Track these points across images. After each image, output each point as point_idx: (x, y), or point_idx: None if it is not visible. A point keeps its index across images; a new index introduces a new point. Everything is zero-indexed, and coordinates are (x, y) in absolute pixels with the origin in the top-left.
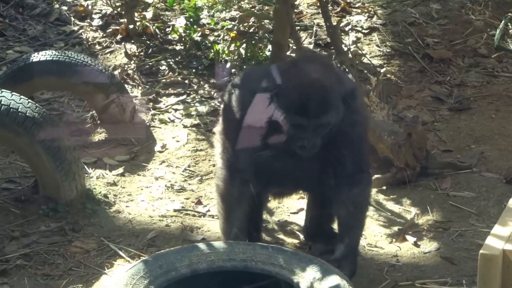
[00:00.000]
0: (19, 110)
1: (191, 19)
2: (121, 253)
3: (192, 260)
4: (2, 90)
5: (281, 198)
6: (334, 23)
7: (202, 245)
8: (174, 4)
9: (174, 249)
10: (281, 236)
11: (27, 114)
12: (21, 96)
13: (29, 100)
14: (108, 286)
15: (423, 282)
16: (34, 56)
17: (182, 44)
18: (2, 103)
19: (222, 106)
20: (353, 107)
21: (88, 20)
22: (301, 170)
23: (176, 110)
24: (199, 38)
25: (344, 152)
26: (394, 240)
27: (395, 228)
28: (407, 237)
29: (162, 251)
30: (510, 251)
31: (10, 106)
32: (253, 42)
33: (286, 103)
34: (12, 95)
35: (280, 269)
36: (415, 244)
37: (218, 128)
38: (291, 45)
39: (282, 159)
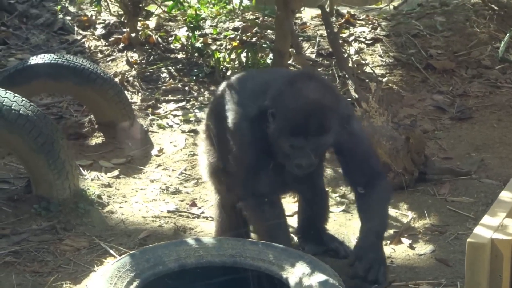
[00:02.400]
0: (12, 108)
1: (192, 25)
2: (111, 251)
3: (180, 255)
4: None
5: None
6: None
7: (190, 240)
8: (177, 13)
9: (162, 244)
10: None
11: (20, 112)
12: (15, 94)
13: (23, 99)
14: (94, 278)
15: (417, 283)
16: (32, 59)
17: (184, 52)
18: None
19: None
20: (353, 128)
21: (91, 30)
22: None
23: (175, 115)
24: (200, 45)
25: (354, 163)
26: (389, 242)
27: (391, 231)
28: (403, 239)
29: (150, 245)
30: (498, 240)
31: (4, 103)
32: (254, 50)
33: (283, 124)
34: (6, 93)
35: (269, 265)
36: (410, 247)
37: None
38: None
39: (276, 164)
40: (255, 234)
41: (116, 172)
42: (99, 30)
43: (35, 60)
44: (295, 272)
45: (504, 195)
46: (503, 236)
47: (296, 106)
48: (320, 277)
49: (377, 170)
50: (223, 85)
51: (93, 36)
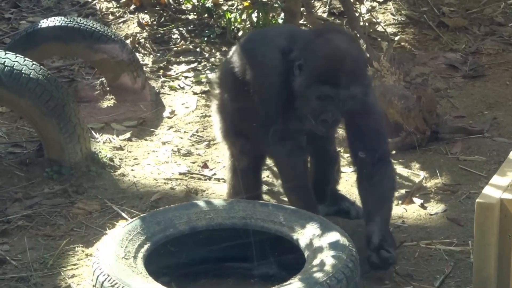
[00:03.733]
0: (22, 71)
1: None
2: (123, 214)
3: (191, 218)
4: (6, 52)
5: None
6: None
7: (201, 203)
8: None
9: (173, 207)
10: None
11: (30, 75)
12: (25, 58)
13: (34, 62)
14: (104, 241)
15: (428, 243)
16: (42, 22)
17: (195, 13)
18: (5, 64)
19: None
20: (370, 99)
21: None
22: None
23: (186, 77)
24: (210, 5)
25: (366, 130)
26: (400, 202)
27: (402, 191)
28: (414, 199)
29: (161, 208)
30: (508, 200)
31: (14, 67)
32: (265, 10)
33: (312, 72)
34: (16, 56)
35: (279, 226)
36: (422, 206)
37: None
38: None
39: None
40: (283, 183)
41: (128, 135)
42: None
43: (45, 23)
44: (306, 234)
45: None
46: None
47: (326, 53)
48: (330, 238)
49: (385, 151)
50: (236, 46)
51: None
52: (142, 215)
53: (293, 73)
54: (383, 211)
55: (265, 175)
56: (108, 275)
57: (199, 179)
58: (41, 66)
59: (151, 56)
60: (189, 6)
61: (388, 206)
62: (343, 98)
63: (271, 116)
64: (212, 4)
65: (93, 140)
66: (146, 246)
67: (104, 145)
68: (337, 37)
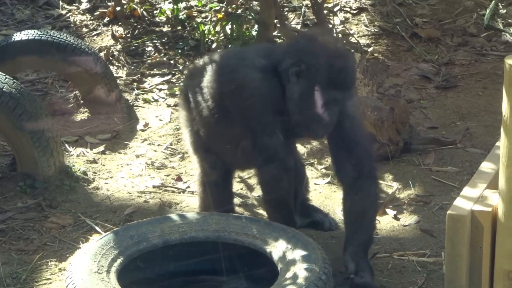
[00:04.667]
0: None
1: None
2: (97, 228)
3: (164, 231)
4: None
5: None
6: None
7: (174, 216)
8: None
9: (146, 220)
10: (260, 211)
11: (3, 89)
12: None
13: (6, 76)
14: (77, 256)
15: (401, 254)
16: (15, 36)
17: (169, 26)
18: None
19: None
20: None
21: (76, 4)
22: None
23: (160, 89)
24: (183, 17)
25: (352, 143)
26: None
27: None
28: (387, 210)
29: (134, 222)
30: (479, 212)
31: None
32: (239, 22)
33: (320, 77)
34: None
35: (253, 239)
36: (395, 218)
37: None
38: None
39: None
40: (268, 203)
41: (101, 148)
42: (84, 4)
43: (18, 36)
44: (279, 246)
45: (485, 166)
46: (483, 207)
47: (330, 57)
48: (303, 250)
49: (371, 166)
50: (205, 58)
51: (78, 11)
52: (115, 229)
53: (287, 81)
54: (361, 233)
55: (239, 187)
56: None
57: (173, 192)
58: (14, 80)
59: (125, 68)
60: (163, 18)
61: (367, 226)
62: (344, 99)
63: (257, 136)
64: (186, 16)
65: (66, 153)
66: (119, 260)
67: (77, 158)
68: (331, 41)
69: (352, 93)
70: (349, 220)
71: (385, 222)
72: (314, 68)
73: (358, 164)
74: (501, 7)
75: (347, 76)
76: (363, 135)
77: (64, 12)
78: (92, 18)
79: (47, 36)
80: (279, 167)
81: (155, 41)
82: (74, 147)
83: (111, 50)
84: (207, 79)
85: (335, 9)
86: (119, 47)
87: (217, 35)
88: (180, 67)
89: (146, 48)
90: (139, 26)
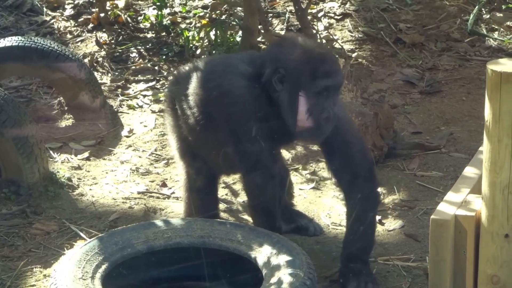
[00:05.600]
0: None
1: (158, 3)
2: (82, 234)
3: (148, 237)
4: None
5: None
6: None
7: (159, 222)
8: None
9: (131, 226)
10: (245, 216)
11: None
12: None
13: None
14: (62, 262)
15: (386, 259)
16: None
17: (153, 32)
18: None
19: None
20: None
21: (60, 10)
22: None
23: (144, 96)
24: (167, 23)
25: (345, 139)
26: None
27: None
28: None
29: (118, 228)
30: (462, 217)
31: None
32: (223, 28)
33: (303, 73)
34: None
35: (238, 244)
36: (380, 222)
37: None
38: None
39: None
40: (252, 209)
41: (86, 154)
42: (68, 11)
43: (2, 43)
44: (263, 252)
45: (468, 170)
46: (467, 212)
47: (304, 51)
48: (288, 256)
49: (368, 162)
50: (190, 64)
51: (62, 17)
52: (100, 235)
53: (272, 90)
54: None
55: (224, 192)
56: None
57: (158, 198)
58: None
59: (109, 74)
60: (147, 24)
61: (367, 232)
62: (336, 89)
63: (240, 143)
64: (170, 22)
65: (51, 160)
66: (103, 267)
67: (62, 164)
68: (305, 40)
69: (341, 83)
70: (349, 223)
71: None
72: (294, 70)
73: (355, 166)
74: (484, 12)
75: (330, 68)
76: (357, 135)
77: (48, 18)
78: (76, 24)
79: (30, 42)
80: (263, 174)
81: (139, 47)
82: (59, 154)
83: (95, 56)
84: (193, 85)
85: (319, 15)
86: (103, 53)
87: (201, 41)
88: (165, 73)
89: (131, 54)
90: (123, 33)
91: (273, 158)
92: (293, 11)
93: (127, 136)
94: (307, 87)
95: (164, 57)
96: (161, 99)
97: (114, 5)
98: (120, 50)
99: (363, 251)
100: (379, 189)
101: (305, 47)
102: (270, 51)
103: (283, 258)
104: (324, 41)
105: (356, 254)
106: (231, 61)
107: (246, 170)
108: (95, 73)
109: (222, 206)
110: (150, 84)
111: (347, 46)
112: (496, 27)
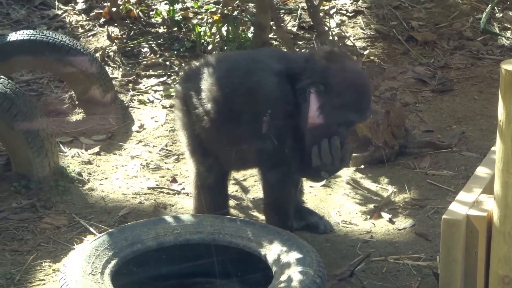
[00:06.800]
0: None
1: None
2: (91, 229)
3: (158, 233)
4: None
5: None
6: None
7: (169, 218)
8: None
9: (141, 222)
10: (255, 213)
11: None
12: None
13: (1, 76)
14: (71, 257)
15: (396, 258)
16: (11, 36)
17: (165, 27)
18: None
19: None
20: None
21: (72, 4)
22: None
23: (155, 91)
24: (179, 18)
25: None
26: (369, 217)
27: (371, 206)
28: (382, 214)
29: (129, 224)
30: (474, 217)
31: None
32: (235, 24)
33: (340, 101)
34: None
35: (248, 241)
36: (390, 221)
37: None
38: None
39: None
40: (269, 206)
41: (96, 149)
42: (80, 5)
43: (14, 36)
44: (273, 249)
45: (480, 170)
46: (478, 212)
47: (352, 82)
48: (298, 253)
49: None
50: (202, 60)
51: (74, 11)
52: (109, 230)
53: (303, 99)
54: None
55: (234, 189)
56: None
57: (168, 193)
58: (9, 80)
59: (121, 69)
60: (159, 19)
61: None
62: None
63: (267, 141)
64: (181, 17)
65: (61, 154)
66: (113, 262)
67: (72, 159)
68: (351, 63)
69: (366, 116)
70: None
71: (380, 226)
72: (336, 92)
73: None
74: (497, 11)
75: (366, 102)
76: None
77: (60, 12)
78: (88, 18)
79: (42, 36)
80: (285, 171)
81: (150, 42)
82: (69, 148)
83: (106, 50)
84: (209, 82)
85: (331, 12)
86: (114, 48)
87: (213, 36)
88: (176, 69)
89: (142, 49)
90: (134, 27)
91: (294, 155)
92: (305, 8)
93: (138, 131)
94: (339, 113)
95: (175, 52)
96: (172, 94)
97: (126, 0)
98: (131, 45)
99: None
100: None
101: (352, 74)
102: (314, 60)
103: (293, 256)
104: (336, 38)
105: None
106: (259, 56)
107: (268, 167)
108: (106, 68)
109: (232, 202)
110: (161, 79)
111: (359, 44)
112: (508, 26)
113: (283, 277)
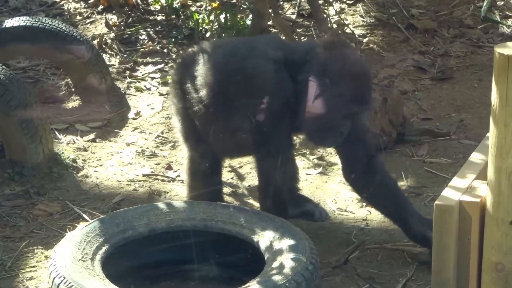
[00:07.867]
0: None
1: None
2: (84, 216)
3: (150, 219)
4: None
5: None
6: None
7: (161, 204)
8: None
9: (133, 208)
10: (251, 200)
11: None
12: None
13: None
14: (62, 243)
15: (392, 245)
16: (7, 22)
17: (163, 14)
18: None
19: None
20: None
21: None
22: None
23: (153, 78)
24: (177, 6)
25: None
26: (364, 204)
27: None
28: None
29: (120, 210)
30: (466, 203)
31: None
32: (233, 11)
33: (343, 93)
34: None
35: (240, 228)
36: None
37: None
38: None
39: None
40: (264, 193)
41: (92, 136)
42: None
43: (10, 23)
44: (266, 236)
45: (475, 156)
46: (471, 198)
47: (355, 73)
48: (290, 240)
49: (370, 149)
50: (198, 47)
51: None
52: (101, 216)
53: (305, 86)
54: (408, 208)
55: (230, 176)
56: (64, 277)
57: (163, 180)
58: (3, 66)
59: (118, 57)
60: (157, 7)
61: (406, 200)
62: (363, 112)
63: (264, 128)
64: (180, 5)
65: (56, 141)
66: (104, 248)
67: (67, 146)
68: (352, 53)
69: (369, 106)
70: (385, 204)
71: (376, 213)
72: (339, 83)
73: (360, 154)
74: None
75: (369, 94)
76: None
77: None
78: (86, 6)
79: (38, 23)
80: (279, 159)
81: (148, 30)
82: (65, 135)
83: (104, 38)
84: (205, 67)
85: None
86: (112, 35)
87: (211, 24)
88: (174, 56)
89: (140, 37)
90: (133, 15)
91: (290, 143)
92: None
93: (134, 118)
94: (342, 105)
95: (173, 39)
96: (169, 81)
97: None
98: (129, 32)
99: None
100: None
101: (360, 70)
102: (315, 51)
103: (286, 243)
104: (335, 25)
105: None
106: (256, 43)
107: (263, 154)
108: (104, 55)
109: (227, 189)
110: (159, 66)
111: (358, 31)
112: (509, 14)
113: (275, 264)
